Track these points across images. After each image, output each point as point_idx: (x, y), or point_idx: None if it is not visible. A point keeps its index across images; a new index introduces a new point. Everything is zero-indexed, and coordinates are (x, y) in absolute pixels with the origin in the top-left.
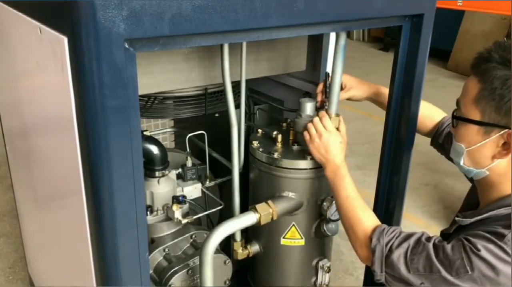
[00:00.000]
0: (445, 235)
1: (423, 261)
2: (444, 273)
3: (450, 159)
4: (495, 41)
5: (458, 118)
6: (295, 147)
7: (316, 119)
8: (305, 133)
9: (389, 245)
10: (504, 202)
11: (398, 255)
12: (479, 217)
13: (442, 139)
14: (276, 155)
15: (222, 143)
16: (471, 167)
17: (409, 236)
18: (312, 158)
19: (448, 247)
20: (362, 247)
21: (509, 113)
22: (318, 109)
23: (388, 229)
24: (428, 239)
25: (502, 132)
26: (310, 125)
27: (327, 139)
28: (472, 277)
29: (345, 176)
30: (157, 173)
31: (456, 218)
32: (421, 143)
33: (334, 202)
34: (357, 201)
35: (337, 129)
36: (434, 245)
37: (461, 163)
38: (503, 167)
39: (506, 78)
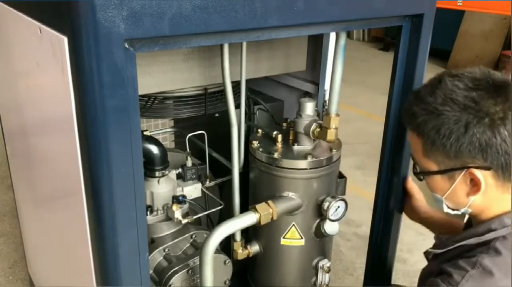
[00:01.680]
0: (428, 254)
1: None
2: None
3: None
4: (412, 91)
5: (419, 173)
6: (295, 147)
7: None
8: None
9: None
10: (477, 230)
11: None
12: (450, 247)
13: None
14: (276, 155)
15: (222, 143)
16: (455, 209)
17: None
18: (313, 157)
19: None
20: None
21: (458, 155)
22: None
23: None
24: None
25: (463, 172)
26: None
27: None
28: None
29: None
30: (157, 173)
31: (429, 249)
32: None
33: (333, 202)
34: None
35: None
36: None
37: (445, 209)
38: (480, 203)
39: (438, 128)
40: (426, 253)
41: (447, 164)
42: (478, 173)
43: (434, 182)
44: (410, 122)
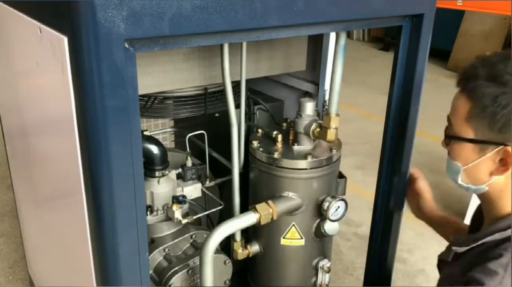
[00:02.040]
0: (443, 262)
1: None
2: None
3: None
4: (478, 55)
5: (451, 137)
6: (295, 147)
7: None
8: None
9: None
10: (499, 225)
11: None
12: (473, 245)
13: None
14: (276, 155)
15: (222, 143)
16: (469, 184)
17: None
18: (313, 157)
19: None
20: None
21: (503, 129)
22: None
23: None
24: None
25: (498, 149)
26: None
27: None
28: None
29: None
30: (157, 173)
31: (453, 247)
32: (421, 143)
33: (333, 202)
34: None
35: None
36: None
37: (459, 181)
38: (502, 183)
39: (496, 95)
40: (444, 256)
41: (487, 135)
42: None
43: (461, 150)
44: (466, 83)
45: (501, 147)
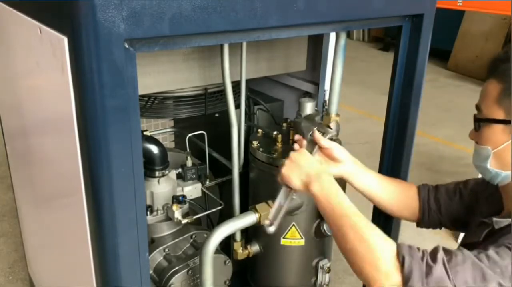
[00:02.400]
0: (470, 245)
1: (471, 271)
2: (501, 280)
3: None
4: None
5: (482, 120)
6: (295, 147)
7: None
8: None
9: (424, 261)
10: None
11: (440, 270)
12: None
13: (434, 205)
14: (276, 155)
15: (222, 143)
16: (499, 169)
17: (434, 250)
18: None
19: (491, 253)
20: (389, 273)
21: None
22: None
23: (409, 245)
24: (452, 250)
25: None
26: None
27: (296, 156)
28: None
29: (332, 186)
30: (157, 173)
31: (494, 219)
32: (421, 143)
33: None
34: (360, 218)
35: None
36: (473, 254)
37: (488, 166)
38: None
39: None
40: (471, 238)
41: None
42: None
43: (491, 133)
44: (497, 66)
45: None
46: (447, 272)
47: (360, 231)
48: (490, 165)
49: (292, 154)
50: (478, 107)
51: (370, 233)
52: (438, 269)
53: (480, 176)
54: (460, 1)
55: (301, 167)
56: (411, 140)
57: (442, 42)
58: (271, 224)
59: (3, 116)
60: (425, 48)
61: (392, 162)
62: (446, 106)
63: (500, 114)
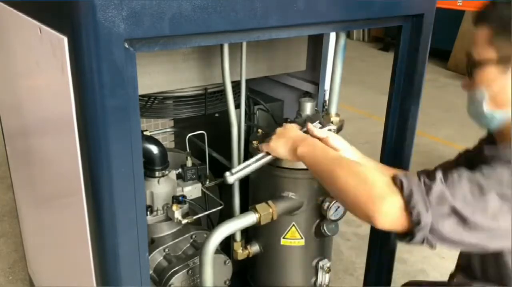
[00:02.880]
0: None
1: (468, 186)
2: (498, 189)
3: None
4: None
5: (474, 63)
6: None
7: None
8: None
9: (422, 181)
10: None
11: (439, 186)
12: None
13: None
14: None
15: (222, 143)
16: (495, 109)
17: (429, 172)
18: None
19: (485, 168)
20: (384, 196)
21: None
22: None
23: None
24: (448, 171)
25: None
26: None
27: (282, 130)
28: None
29: (317, 143)
30: (157, 173)
31: (486, 146)
32: (421, 143)
33: (333, 202)
34: (349, 159)
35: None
36: (466, 172)
37: (485, 108)
38: None
39: None
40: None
41: (510, 52)
42: None
43: (485, 74)
44: (483, 14)
45: None
46: (446, 190)
47: (351, 168)
48: (486, 107)
49: (278, 129)
50: (469, 54)
51: (361, 168)
52: (438, 185)
53: None
54: (460, 1)
55: (287, 137)
56: (411, 140)
57: (442, 42)
58: (231, 174)
59: (3, 116)
60: (425, 48)
61: (392, 162)
62: (446, 106)
63: (492, 54)
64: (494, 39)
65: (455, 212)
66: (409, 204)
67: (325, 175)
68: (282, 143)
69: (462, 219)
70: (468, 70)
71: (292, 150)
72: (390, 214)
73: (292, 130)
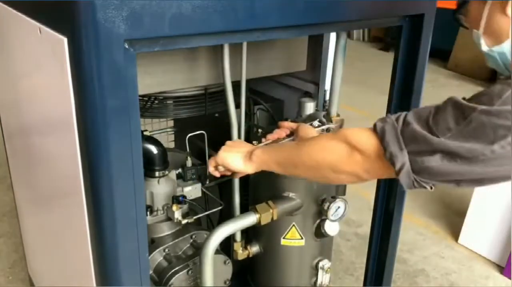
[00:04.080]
0: None
1: (451, 112)
2: (482, 107)
3: None
4: None
5: (459, 9)
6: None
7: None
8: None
9: (400, 119)
10: None
11: (417, 126)
12: None
13: None
14: None
15: (222, 143)
16: (494, 45)
17: (414, 111)
18: None
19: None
20: (360, 143)
21: None
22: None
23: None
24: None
25: None
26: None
27: (229, 143)
28: None
29: (268, 147)
30: (157, 173)
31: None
32: None
33: (334, 202)
34: (301, 142)
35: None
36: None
37: (483, 48)
38: None
39: None
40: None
41: None
42: None
43: (472, 14)
44: None
45: None
46: (427, 124)
47: (310, 145)
48: (484, 45)
49: (227, 142)
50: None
51: (317, 141)
52: (415, 125)
53: None
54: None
55: (238, 148)
56: None
57: (442, 42)
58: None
59: (3, 116)
60: (425, 48)
61: None
62: None
63: None
64: None
65: (439, 149)
66: (383, 146)
67: (292, 163)
68: (234, 153)
69: (449, 153)
70: (456, 16)
71: (246, 157)
72: (364, 163)
73: (241, 143)
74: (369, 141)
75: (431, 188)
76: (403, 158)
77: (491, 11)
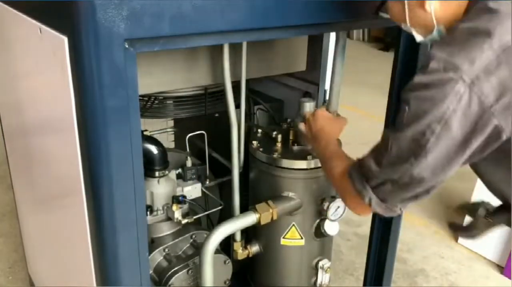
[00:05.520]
0: None
1: (382, 145)
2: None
3: None
4: None
5: (379, 8)
6: (295, 147)
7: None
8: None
9: (363, 159)
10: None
11: (371, 161)
12: None
13: None
14: (276, 155)
15: (222, 143)
16: (427, 34)
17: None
18: (313, 157)
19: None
20: (346, 191)
21: None
22: None
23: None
24: None
25: None
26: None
27: (316, 114)
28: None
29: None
30: (157, 173)
31: None
32: None
33: (333, 202)
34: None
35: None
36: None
37: (418, 39)
38: (441, 9)
39: None
40: None
41: None
42: None
43: (393, 11)
44: None
45: None
46: (376, 160)
47: (328, 164)
48: (419, 36)
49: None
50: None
51: (332, 165)
52: (367, 159)
53: None
54: None
55: (332, 129)
56: None
57: None
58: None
59: (3, 116)
60: (425, 48)
61: None
62: None
63: None
64: None
65: (383, 178)
66: (353, 186)
67: (322, 163)
68: (311, 131)
69: (390, 180)
70: (378, 14)
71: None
72: (351, 202)
73: (320, 115)
74: (348, 185)
75: (400, 210)
76: (368, 193)
77: (411, 8)
